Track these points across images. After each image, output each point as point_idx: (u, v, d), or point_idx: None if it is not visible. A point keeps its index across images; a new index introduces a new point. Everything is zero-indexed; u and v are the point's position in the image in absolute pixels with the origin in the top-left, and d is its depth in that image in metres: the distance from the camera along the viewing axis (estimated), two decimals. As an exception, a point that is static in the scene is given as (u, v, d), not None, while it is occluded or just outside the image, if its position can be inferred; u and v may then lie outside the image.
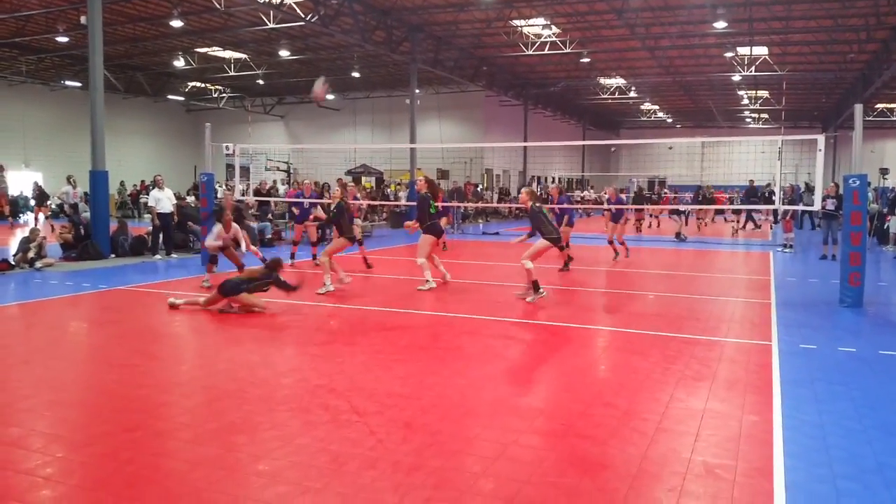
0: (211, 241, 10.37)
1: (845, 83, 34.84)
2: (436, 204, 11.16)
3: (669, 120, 51.24)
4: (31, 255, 12.88)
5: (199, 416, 5.05)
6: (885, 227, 19.15)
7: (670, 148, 45.61)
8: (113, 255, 14.64)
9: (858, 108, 9.94)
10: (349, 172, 33.58)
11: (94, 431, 4.70)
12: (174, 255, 15.02)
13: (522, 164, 38.05)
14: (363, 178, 34.37)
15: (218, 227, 10.34)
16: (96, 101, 14.72)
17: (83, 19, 17.60)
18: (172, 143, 40.74)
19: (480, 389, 5.70)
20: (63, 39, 25.53)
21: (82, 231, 14.75)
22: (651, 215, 28.26)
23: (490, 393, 5.62)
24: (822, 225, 15.93)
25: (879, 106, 40.33)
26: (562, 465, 4.21)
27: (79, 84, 30.89)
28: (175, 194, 16.86)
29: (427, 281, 10.67)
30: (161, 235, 15.08)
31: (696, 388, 5.74)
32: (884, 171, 26.75)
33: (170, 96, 37.34)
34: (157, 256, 14.80)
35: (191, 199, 20.83)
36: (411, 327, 8.21)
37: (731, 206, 28.40)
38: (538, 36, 26.09)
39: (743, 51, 27.88)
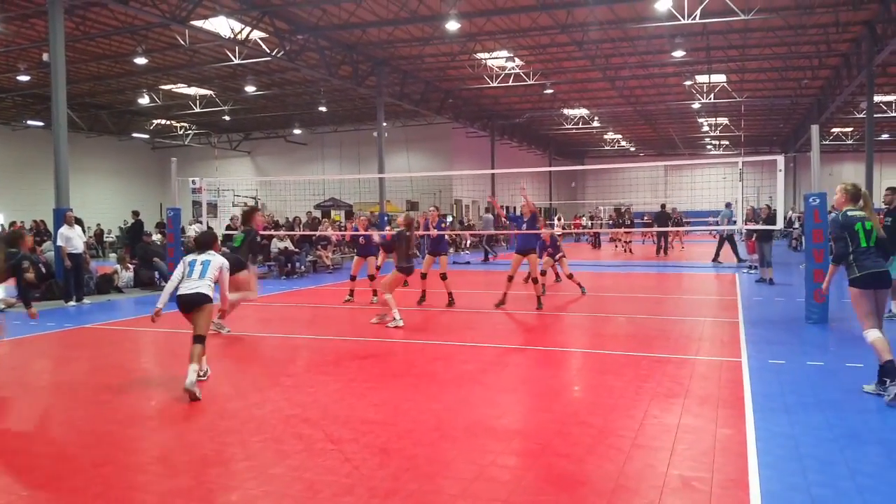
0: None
1: (801, 108, 35.90)
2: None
3: (633, 149, 52.22)
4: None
5: (171, 450, 4.94)
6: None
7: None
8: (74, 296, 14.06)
9: (815, 129, 10.25)
10: (318, 206, 33.53)
11: (62, 468, 4.57)
12: (86, 301, 13.47)
13: (491, 193, 38.33)
14: (332, 212, 34.33)
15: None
16: (60, 140, 14.53)
17: (45, 57, 17.50)
18: (138, 182, 40.34)
19: (456, 413, 5.67)
20: (25, 78, 25.29)
21: (43, 270, 14.42)
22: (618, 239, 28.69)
23: (466, 416, 5.59)
24: (756, 248, 15.85)
25: (835, 130, 41.55)
26: (540, 483, 4.20)
27: (41, 123, 30.54)
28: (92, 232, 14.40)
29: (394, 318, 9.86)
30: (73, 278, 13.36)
31: (669, 405, 5.78)
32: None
33: (135, 134, 37.09)
34: (71, 303, 13.21)
35: (156, 236, 20.58)
36: (384, 355, 8.16)
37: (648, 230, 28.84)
38: (502, 68, 26.52)
39: (701, 79, 28.62)
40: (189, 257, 6.80)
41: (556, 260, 14.07)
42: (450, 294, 12.18)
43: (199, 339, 6.44)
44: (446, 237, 13.89)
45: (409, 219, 10.37)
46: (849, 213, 6.19)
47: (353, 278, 13.03)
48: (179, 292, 6.57)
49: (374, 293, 12.41)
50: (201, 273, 6.59)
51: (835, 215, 6.33)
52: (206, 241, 7.00)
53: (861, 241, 6.04)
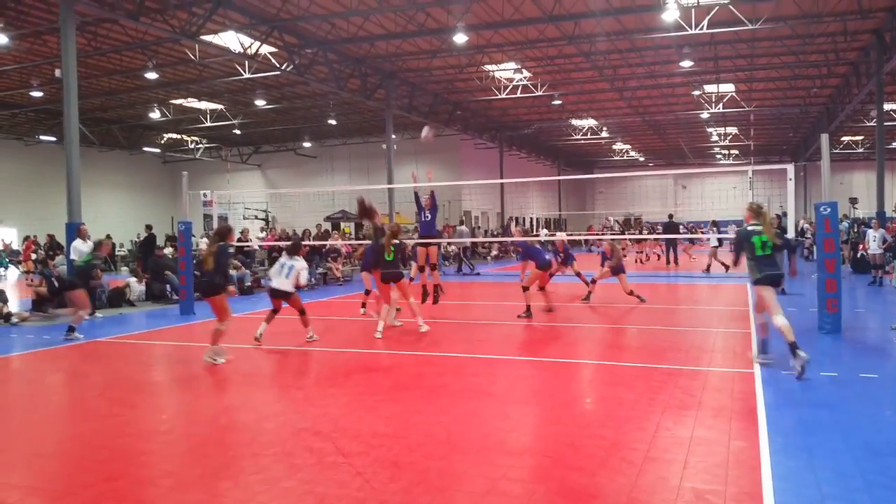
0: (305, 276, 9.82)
1: (811, 117, 35.79)
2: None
3: (642, 159, 52.15)
4: (4, 310, 12.70)
5: (182, 464, 4.95)
6: (860, 255, 19.47)
7: (684, 187, 46.63)
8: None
9: (824, 138, 10.22)
10: (328, 218, 33.62)
11: (74, 482, 4.59)
12: (98, 314, 13.42)
13: (500, 204, 38.36)
14: (342, 223, 34.42)
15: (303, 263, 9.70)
16: (72, 155, 14.65)
17: (58, 73, 17.68)
18: (149, 195, 40.63)
19: (467, 426, 5.66)
20: (37, 94, 25.57)
21: (56, 284, 14.46)
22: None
23: (477, 429, 5.57)
24: None
25: (845, 139, 41.40)
26: (552, 496, 4.17)
27: (53, 138, 30.84)
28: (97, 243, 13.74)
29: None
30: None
31: (682, 417, 5.75)
32: (853, 201, 27.34)
33: (146, 148, 37.36)
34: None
35: (168, 249, 20.69)
36: (394, 368, 8.16)
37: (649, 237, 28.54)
38: (510, 80, 26.60)
39: (710, 88, 28.60)
40: (283, 260, 9.41)
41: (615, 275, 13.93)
42: (436, 287, 12.58)
43: (302, 312, 9.42)
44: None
45: (393, 227, 10.51)
46: (748, 228, 7.63)
47: (367, 292, 12.87)
48: (271, 285, 9.43)
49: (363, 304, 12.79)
50: (286, 275, 9.24)
51: (741, 228, 7.76)
52: (294, 249, 9.61)
53: (757, 250, 7.50)
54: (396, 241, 10.30)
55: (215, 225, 16.97)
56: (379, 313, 10.48)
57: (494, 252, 31.54)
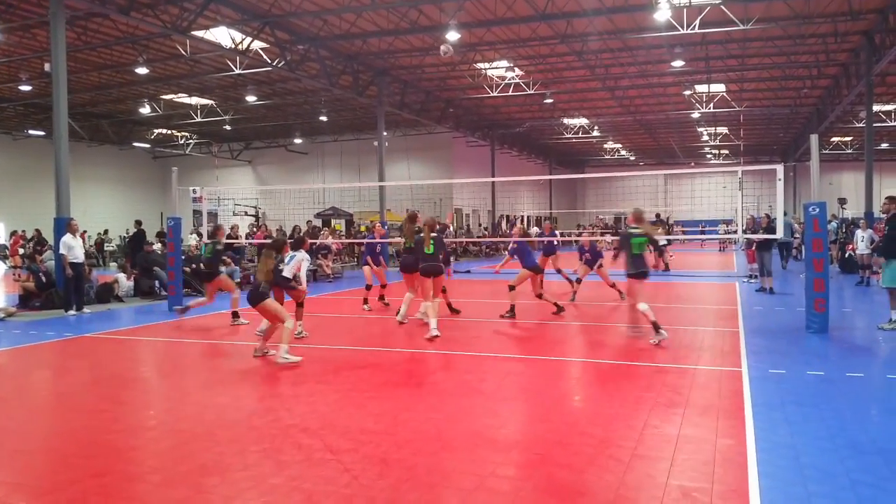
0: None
1: (801, 118, 35.98)
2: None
3: (632, 158, 52.28)
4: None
5: (170, 460, 4.93)
6: (847, 255, 19.59)
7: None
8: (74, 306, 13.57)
9: (814, 138, 10.28)
10: (318, 215, 33.56)
11: (61, 478, 4.56)
12: (86, 310, 13.33)
13: (491, 202, 38.39)
14: (332, 220, 34.37)
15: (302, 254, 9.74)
16: (61, 150, 14.54)
17: (47, 67, 17.56)
18: (139, 191, 40.42)
19: (456, 423, 5.66)
20: (26, 88, 25.37)
21: (43, 279, 14.41)
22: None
23: (466, 426, 5.58)
24: (756, 257, 15.97)
25: (834, 139, 41.62)
26: (540, 493, 4.19)
27: (42, 133, 30.62)
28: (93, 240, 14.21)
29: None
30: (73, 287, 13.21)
31: (669, 415, 5.77)
32: (842, 201, 27.50)
33: (135, 144, 37.17)
34: (71, 312, 13.05)
35: (157, 245, 20.57)
36: (384, 365, 8.15)
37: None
38: (502, 78, 26.59)
39: (701, 88, 28.69)
40: (290, 252, 9.65)
41: (594, 269, 13.96)
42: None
43: (299, 304, 9.65)
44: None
45: (429, 222, 10.40)
46: (630, 230, 9.25)
47: (368, 287, 13.04)
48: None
49: (364, 301, 12.84)
50: (287, 261, 9.41)
51: (624, 229, 9.16)
52: (297, 243, 9.99)
53: (634, 250, 9.08)
54: (434, 234, 10.09)
55: (205, 221, 16.94)
56: (427, 313, 10.06)
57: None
